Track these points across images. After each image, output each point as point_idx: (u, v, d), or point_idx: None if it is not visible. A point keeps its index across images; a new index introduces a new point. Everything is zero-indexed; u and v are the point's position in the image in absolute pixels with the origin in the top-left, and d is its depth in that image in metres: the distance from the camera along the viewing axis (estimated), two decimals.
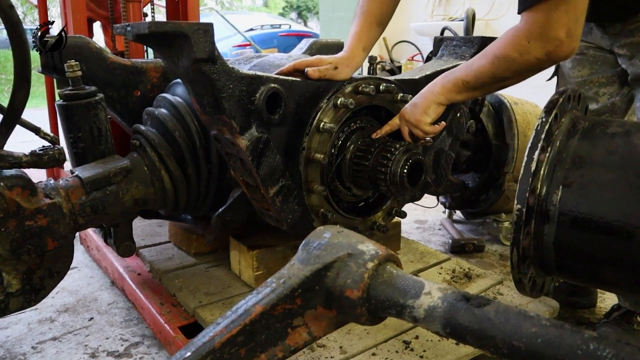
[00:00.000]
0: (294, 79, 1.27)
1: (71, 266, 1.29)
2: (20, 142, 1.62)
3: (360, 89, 1.35)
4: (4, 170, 1.14)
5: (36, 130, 1.31)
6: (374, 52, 1.57)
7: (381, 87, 1.38)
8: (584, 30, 1.50)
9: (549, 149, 1.10)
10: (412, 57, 4.68)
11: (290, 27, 8.46)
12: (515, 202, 1.07)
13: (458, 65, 1.49)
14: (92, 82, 1.46)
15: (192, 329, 1.38)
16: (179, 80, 1.55)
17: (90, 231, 2.05)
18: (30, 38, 1.18)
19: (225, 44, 6.59)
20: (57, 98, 1.37)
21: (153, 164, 1.41)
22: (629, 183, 1.01)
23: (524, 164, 1.07)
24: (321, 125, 1.29)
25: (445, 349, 1.26)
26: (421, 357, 1.23)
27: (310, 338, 0.75)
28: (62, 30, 1.37)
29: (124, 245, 1.43)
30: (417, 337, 1.30)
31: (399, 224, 1.80)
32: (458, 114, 1.60)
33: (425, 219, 2.71)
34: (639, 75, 1.40)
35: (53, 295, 1.77)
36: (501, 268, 2.08)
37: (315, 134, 1.30)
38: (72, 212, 1.25)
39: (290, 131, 1.27)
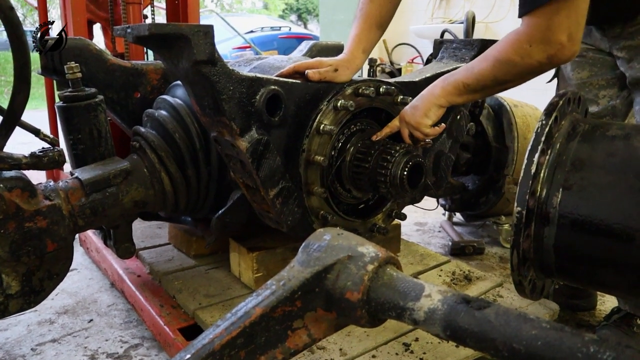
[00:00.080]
0: (294, 81, 1.27)
1: (71, 268, 1.29)
2: (20, 143, 1.62)
3: (360, 91, 1.35)
4: (4, 172, 1.14)
5: (36, 132, 1.31)
6: (373, 54, 1.57)
7: (381, 90, 1.39)
8: (584, 32, 1.50)
9: (549, 152, 1.10)
10: (412, 60, 4.69)
11: (290, 30, 8.47)
12: (515, 204, 1.07)
13: (458, 67, 1.49)
14: (92, 83, 1.46)
15: (191, 331, 1.38)
16: (179, 82, 1.55)
17: (90, 233, 2.05)
18: (30, 40, 1.18)
19: (225, 46, 6.59)
20: (57, 100, 1.37)
21: (153, 165, 1.41)
22: (629, 185, 1.01)
23: (524, 166, 1.07)
24: (321, 127, 1.29)
25: (445, 351, 1.25)
26: (421, 359, 1.23)
27: (310, 340, 0.75)
28: (62, 30, 1.37)
29: (124, 247, 1.43)
30: (417, 340, 1.29)
31: (398, 226, 1.80)
32: (458, 117, 1.60)
33: (425, 221, 2.71)
34: (637, 78, 1.40)
35: (52, 297, 1.77)
36: (501, 270, 2.08)
37: (315, 136, 1.30)
38: (72, 213, 1.25)
39: (290, 133, 1.27)
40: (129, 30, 1.05)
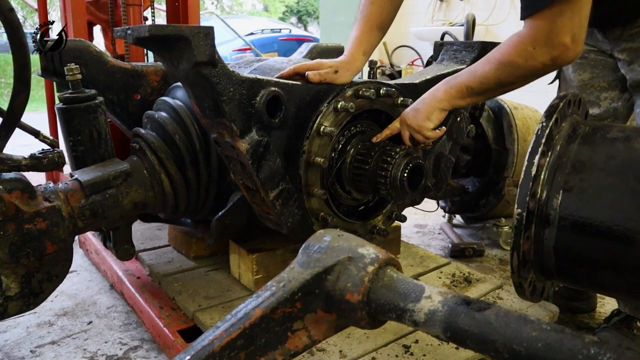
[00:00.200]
0: (295, 82, 1.27)
1: (70, 270, 1.29)
2: (20, 145, 1.62)
3: (360, 92, 1.35)
4: (4, 174, 1.14)
5: (36, 134, 1.31)
6: (374, 56, 1.57)
7: (381, 91, 1.39)
8: (586, 34, 1.50)
9: (550, 154, 1.10)
10: (412, 62, 4.69)
11: (290, 32, 8.49)
12: (516, 206, 1.06)
13: (458, 69, 1.49)
14: (92, 85, 1.46)
15: (191, 333, 1.38)
16: (179, 83, 1.55)
17: (90, 234, 2.04)
18: (30, 41, 1.18)
19: (226, 48, 6.61)
20: (57, 101, 1.37)
21: (153, 167, 1.41)
22: (629, 188, 1.01)
23: (524, 168, 1.07)
24: (321, 129, 1.29)
25: (445, 353, 1.25)
26: None
27: (310, 342, 0.75)
28: (62, 30, 1.37)
29: (123, 248, 1.43)
30: (417, 342, 1.29)
31: (398, 228, 1.79)
32: (458, 119, 1.60)
33: (425, 223, 2.71)
34: (637, 81, 1.40)
35: (52, 299, 1.76)
36: (501, 272, 2.08)
37: (315, 137, 1.30)
38: (72, 215, 1.24)
39: (291, 135, 1.27)
40: (129, 32, 1.05)
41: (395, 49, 4.81)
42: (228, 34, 6.43)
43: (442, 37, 1.98)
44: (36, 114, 3.74)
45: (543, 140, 1.07)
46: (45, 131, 1.49)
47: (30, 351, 1.51)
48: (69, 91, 1.33)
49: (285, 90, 1.23)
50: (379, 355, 1.25)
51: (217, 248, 1.71)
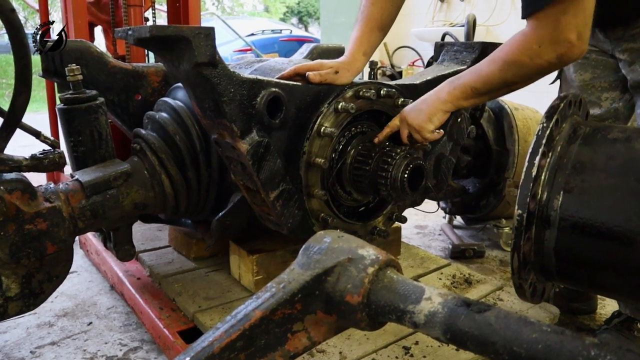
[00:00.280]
0: (295, 83, 1.27)
1: (70, 270, 1.29)
2: (21, 145, 1.62)
3: (361, 93, 1.35)
4: (4, 174, 1.14)
5: (37, 134, 1.31)
6: (374, 57, 1.57)
7: (382, 92, 1.39)
8: None
9: (550, 155, 1.10)
10: (413, 63, 4.69)
11: (291, 32, 8.50)
12: (516, 207, 1.06)
13: (459, 70, 1.49)
14: (93, 86, 1.46)
15: (191, 334, 1.38)
16: (179, 84, 1.55)
17: (90, 235, 2.04)
18: (30, 41, 1.18)
19: (227, 48, 6.62)
20: (58, 102, 1.38)
21: (153, 168, 1.41)
22: (630, 189, 1.01)
23: (524, 169, 1.07)
24: (322, 130, 1.29)
25: (445, 355, 1.25)
26: None
27: (310, 343, 0.75)
28: (62, 30, 1.38)
29: (124, 249, 1.43)
30: (417, 343, 1.29)
31: (399, 229, 1.79)
32: (459, 119, 1.59)
33: (425, 224, 2.71)
34: (638, 82, 1.40)
35: (52, 300, 1.76)
36: (501, 274, 2.07)
37: (316, 138, 1.30)
38: (72, 216, 1.24)
39: (291, 135, 1.27)
40: (130, 33, 1.05)
41: (396, 49, 4.81)
42: (229, 34, 6.44)
43: (443, 38, 1.98)
44: (37, 115, 3.74)
45: (544, 141, 1.07)
46: (46, 132, 1.49)
47: (30, 352, 1.51)
48: (70, 92, 1.33)
49: (285, 91, 1.23)
50: (379, 356, 1.25)
51: (218, 249, 1.71)
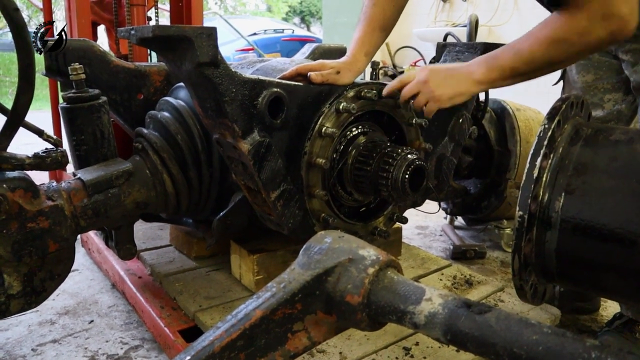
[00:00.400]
0: (297, 83, 1.27)
1: (72, 269, 1.29)
2: (24, 144, 1.62)
3: (362, 94, 1.35)
4: (7, 172, 1.15)
5: (39, 133, 1.31)
6: (376, 57, 1.57)
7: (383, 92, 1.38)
8: None
9: (552, 156, 1.10)
10: (415, 63, 4.69)
11: (293, 32, 8.49)
12: (517, 208, 1.06)
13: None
14: (95, 85, 1.46)
15: (191, 333, 1.38)
16: (181, 84, 1.55)
17: (92, 234, 2.05)
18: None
19: (229, 48, 6.62)
20: (61, 101, 1.38)
21: (155, 167, 1.41)
22: (631, 190, 1.01)
23: (526, 170, 1.07)
24: (323, 130, 1.29)
25: (445, 356, 1.25)
26: None
27: (310, 343, 0.75)
28: (62, 30, 1.38)
29: (125, 248, 1.43)
30: (417, 344, 1.29)
31: (400, 230, 1.79)
32: (460, 120, 1.60)
33: (426, 224, 2.71)
34: None
35: (54, 298, 1.77)
36: (502, 275, 2.07)
37: (317, 138, 1.30)
38: (74, 214, 1.25)
39: (292, 135, 1.27)
40: (133, 32, 1.06)
41: (398, 49, 4.81)
42: (231, 34, 6.45)
43: (445, 38, 1.98)
44: (40, 113, 3.75)
45: (545, 142, 1.07)
46: (49, 130, 1.49)
47: (32, 349, 1.51)
48: (73, 90, 1.33)
49: (287, 91, 1.23)
50: (379, 357, 1.25)
51: (218, 248, 1.71)
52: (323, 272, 0.73)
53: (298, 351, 0.74)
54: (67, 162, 1.25)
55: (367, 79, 1.70)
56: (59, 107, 1.36)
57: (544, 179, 1.08)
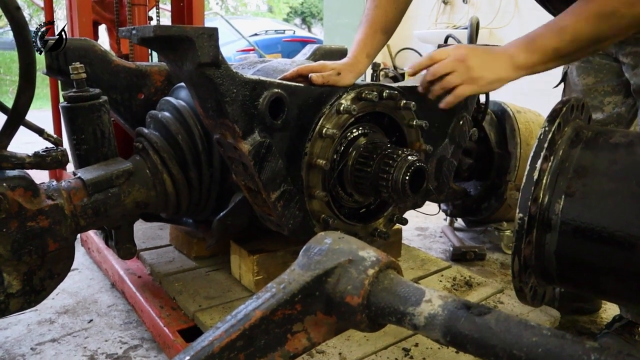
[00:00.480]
0: (297, 84, 1.27)
1: (72, 268, 1.29)
2: (24, 143, 1.63)
3: (363, 95, 1.35)
4: (7, 171, 1.15)
5: (40, 132, 1.31)
6: (377, 59, 1.57)
7: (384, 94, 1.39)
8: None
9: (552, 158, 1.10)
10: None
11: (294, 33, 8.50)
12: (518, 210, 1.06)
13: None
14: (96, 84, 1.46)
15: (191, 333, 1.38)
16: (182, 84, 1.55)
17: (92, 233, 2.05)
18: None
19: (230, 48, 6.62)
20: (61, 100, 1.38)
21: (155, 167, 1.41)
22: (631, 193, 1.01)
23: (526, 172, 1.07)
24: (324, 131, 1.29)
25: (444, 357, 1.25)
26: None
27: (310, 344, 0.75)
28: (62, 30, 1.38)
29: (125, 247, 1.43)
30: (416, 345, 1.29)
31: (400, 231, 1.79)
32: (461, 122, 1.60)
33: (426, 226, 2.71)
34: None
35: (53, 297, 1.77)
36: (502, 277, 2.07)
37: (317, 139, 1.30)
38: (74, 213, 1.25)
39: (293, 136, 1.27)
40: (134, 32, 1.06)
41: (399, 51, 4.81)
42: (232, 34, 6.45)
43: (446, 40, 1.98)
44: (40, 112, 3.75)
45: (545, 145, 1.07)
46: (49, 129, 1.49)
47: (31, 348, 1.51)
48: (74, 90, 1.33)
49: (288, 92, 1.23)
50: (378, 358, 1.25)
51: (218, 248, 1.71)
52: (323, 273, 0.73)
53: (297, 352, 0.74)
54: (67, 161, 1.25)
55: (368, 80, 1.70)
56: (60, 106, 1.36)
57: (544, 181, 1.08)
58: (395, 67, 4.84)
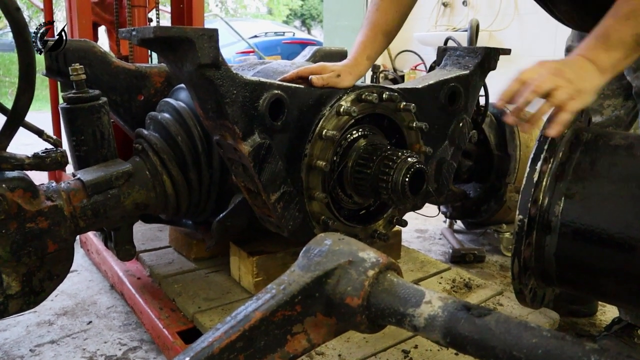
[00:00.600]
0: (297, 85, 1.27)
1: (71, 269, 1.29)
2: (23, 144, 1.62)
3: (363, 97, 1.35)
4: (7, 172, 1.15)
5: (39, 133, 1.31)
6: (377, 61, 1.58)
7: (384, 96, 1.39)
8: None
9: (552, 160, 1.10)
10: (415, 67, 4.70)
11: (294, 35, 8.51)
12: (517, 212, 1.06)
13: (462, 75, 1.47)
14: (96, 85, 1.46)
15: (190, 335, 1.37)
16: (182, 85, 1.56)
17: (91, 234, 2.05)
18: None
19: (229, 50, 6.63)
20: (61, 101, 1.38)
21: (155, 168, 1.41)
22: (631, 195, 1.01)
23: (526, 174, 1.07)
24: (323, 133, 1.29)
25: (444, 358, 1.25)
26: None
27: (309, 345, 0.75)
28: (62, 30, 1.38)
29: (124, 249, 1.43)
30: (416, 347, 1.29)
31: (399, 233, 1.79)
32: (461, 124, 1.60)
33: (425, 228, 2.71)
34: None
35: (52, 298, 1.76)
36: (501, 279, 2.07)
37: (317, 141, 1.30)
38: (73, 215, 1.25)
39: (293, 138, 1.27)
40: (134, 33, 1.06)
41: (399, 53, 4.81)
42: (232, 36, 6.46)
43: (446, 42, 1.99)
44: (40, 114, 3.76)
45: (545, 147, 1.07)
46: (49, 130, 1.49)
47: (30, 350, 1.51)
48: (73, 91, 1.33)
49: (288, 93, 1.23)
50: (378, 359, 1.24)
51: (218, 250, 1.71)
52: (323, 274, 0.73)
53: (297, 353, 0.74)
54: (67, 162, 1.25)
55: (368, 82, 1.71)
56: (59, 108, 1.36)
57: (544, 183, 1.08)
58: (395, 70, 4.85)
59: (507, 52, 1.64)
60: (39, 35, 1.32)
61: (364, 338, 1.30)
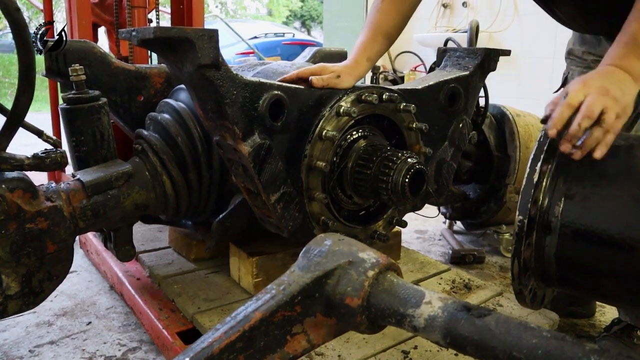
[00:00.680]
0: (297, 86, 1.27)
1: (70, 270, 1.29)
2: (23, 144, 1.62)
3: (363, 97, 1.35)
4: (6, 173, 1.15)
5: (39, 133, 1.31)
6: (376, 62, 1.58)
7: (384, 96, 1.39)
8: (592, 42, 1.49)
9: (552, 161, 1.10)
10: (415, 68, 4.70)
11: (293, 36, 8.51)
12: (517, 213, 1.06)
13: (462, 76, 1.47)
14: (95, 86, 1.46)
15: (190, 335, 1.37)
16: (182, 86, 1.56)
17: (90, 235, 2.04)
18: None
19: (229, 51, 6.63)
20: (61, 102, 1.38)
21: (155, 169, 1.41)
22: (631, 196, 1.01)
23: (526, 174, 1.07)
24: (323, 133, 1.29)
25: (444, 359, 1.25)
26: None
27: (309, 346, 0.75)
28: (62, 30, 1.38)
29: (124, 249, 1.43)
30: (416, 347, 1.29)
31: (399, 234, 1.79)
32: (461, 125, 1.60)
33: (425, 229, 2.71)
34: None
35: (51, 299, 1.76)
36: (501, 279, 2.07)
37: (317, 141, 1.30)
38: (73, 215, 1.25)
39: (293, 138, 1.27)
40: (134, 33, 1.06)
41: (398, 54, 4.82)
42: (232, 37, 6.46)
43: (446, 44, 1.99)
44: (39, 114, 3.76)
45: (545, 147, 1.07)
46: (49, 131, 1.49)
47: (29, 351, 1.51)
48: (73, 92, 1.33)
49: (288, 94, 1.23)
50: None
51: (218, 251, 1.71)
52: (323, 274, 0.73)
53: (297, 354, 0.74)
54: (67, 163, 1.25)
55: (368, 83, 1.71)
56: (59, 108, 1.36)
57: (544, 183, 1.08)
58: (394, 71, 4.85)
59: (506, 53, 1.64)
60: (38, 35, 1.32)
61: (363, 339, 1.30)
